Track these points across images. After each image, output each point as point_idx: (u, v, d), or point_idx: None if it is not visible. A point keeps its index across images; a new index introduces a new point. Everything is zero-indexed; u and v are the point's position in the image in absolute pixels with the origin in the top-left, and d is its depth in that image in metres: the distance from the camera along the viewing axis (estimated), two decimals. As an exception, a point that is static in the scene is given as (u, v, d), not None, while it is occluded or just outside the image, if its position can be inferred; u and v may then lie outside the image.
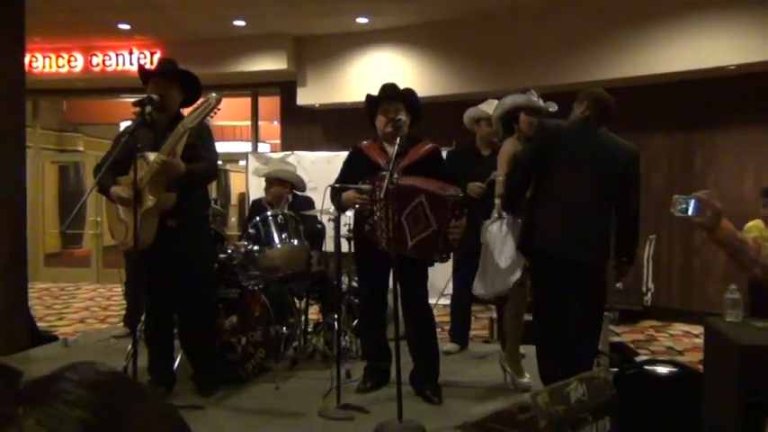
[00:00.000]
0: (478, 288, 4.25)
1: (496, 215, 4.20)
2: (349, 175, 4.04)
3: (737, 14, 6.36)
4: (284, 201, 5.07)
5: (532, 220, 3.72)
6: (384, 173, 3.68)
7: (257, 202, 5.27)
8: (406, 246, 3.76)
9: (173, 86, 3.91)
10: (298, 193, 5.19)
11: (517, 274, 4.12)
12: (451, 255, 4.05)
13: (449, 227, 3.73)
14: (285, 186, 5.09)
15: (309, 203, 5.06)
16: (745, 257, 1.75)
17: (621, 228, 3.67)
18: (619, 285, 7.72)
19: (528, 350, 4.33)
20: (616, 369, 3.25)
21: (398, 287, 3.65)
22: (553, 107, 4.19)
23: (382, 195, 3.65)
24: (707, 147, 7.17)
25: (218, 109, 3.65)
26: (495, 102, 5.08)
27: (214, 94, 3.68)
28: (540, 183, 3.70)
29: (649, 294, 7.05)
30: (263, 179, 5.30)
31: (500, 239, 4.13)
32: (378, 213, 3.74)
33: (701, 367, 3.34)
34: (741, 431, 2.28)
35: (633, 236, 3.73)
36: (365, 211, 3.86)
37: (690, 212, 1.77)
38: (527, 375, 4.19)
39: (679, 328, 6.58)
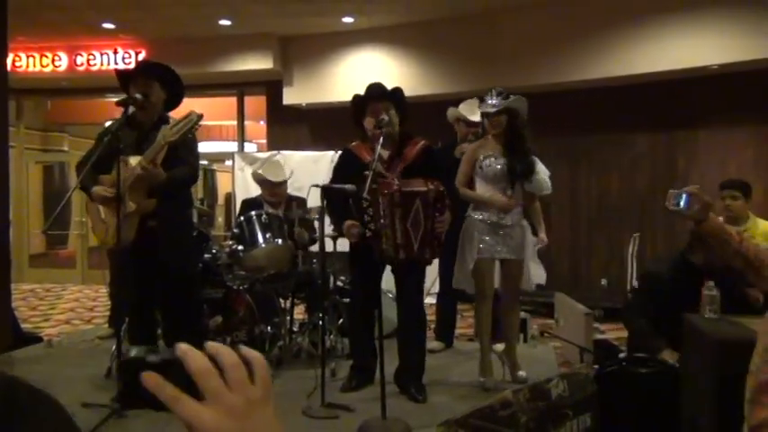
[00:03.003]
0: (455, 282, 4.32)
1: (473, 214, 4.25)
2: (341, 178, 3.99)
3: (720, 14, 6.42)
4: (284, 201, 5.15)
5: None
6: (384, 179, 3.80)
7: (252, 201, 5.24)
8: (413, 250, 3.79)
9: (153, 84, 3.95)
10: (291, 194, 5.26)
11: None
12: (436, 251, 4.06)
13: (434, 223, 3.78)
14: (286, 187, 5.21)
15: (303, 203, 5.09)
16: (729, 248, 1.85)
17: None
18: (603, 283, 7.79)
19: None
20: (597, 366, 3.28)
21: (396, 288, 3.83)
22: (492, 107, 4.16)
23: (385, 202, 3.66)
24: (690, 146, 7.24)
25: (199, 126, 3.75)
26: (475, 102, 5.12)
27: (195, 111, 3.75)
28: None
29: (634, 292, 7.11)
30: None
31: (467, 237, 4.17)
32: (382, 220, 3.71)
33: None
34: (717, 424, 2.32)
35: None
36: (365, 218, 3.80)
37: (681, 205, 1.92)
38: (521, 372, 4.23)
39: (663, 325, 6.64)
